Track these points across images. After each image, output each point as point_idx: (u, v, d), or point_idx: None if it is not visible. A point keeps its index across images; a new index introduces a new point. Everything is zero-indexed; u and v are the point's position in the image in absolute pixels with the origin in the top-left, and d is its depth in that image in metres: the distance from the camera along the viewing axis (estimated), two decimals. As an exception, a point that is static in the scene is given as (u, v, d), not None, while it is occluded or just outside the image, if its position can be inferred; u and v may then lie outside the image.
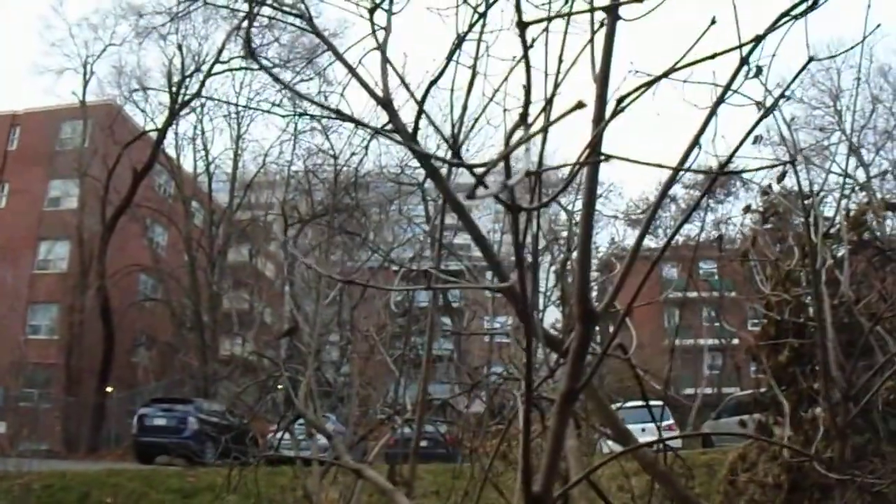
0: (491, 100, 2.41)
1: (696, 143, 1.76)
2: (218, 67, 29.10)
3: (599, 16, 1.62)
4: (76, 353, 29.07)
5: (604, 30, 1.55)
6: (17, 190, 33.61)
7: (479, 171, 1.11)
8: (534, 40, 1.80)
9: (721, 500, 5.29)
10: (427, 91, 2.71)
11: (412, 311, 7.09)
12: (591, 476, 2.67)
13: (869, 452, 4.23)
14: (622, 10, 1.54)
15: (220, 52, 28.60)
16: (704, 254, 25.34)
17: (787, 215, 5.36)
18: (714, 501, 5.56)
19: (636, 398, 3.26)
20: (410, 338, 7.33)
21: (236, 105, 31.80)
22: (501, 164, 1.56)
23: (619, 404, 5.16)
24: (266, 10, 3.38)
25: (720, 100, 1.81)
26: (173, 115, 29.87)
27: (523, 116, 1.34)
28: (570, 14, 1.55)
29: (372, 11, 2.63)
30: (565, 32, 1.64)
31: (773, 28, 1.78)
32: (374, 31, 2.63)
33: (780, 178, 5.09)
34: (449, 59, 2.74)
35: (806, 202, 3.95)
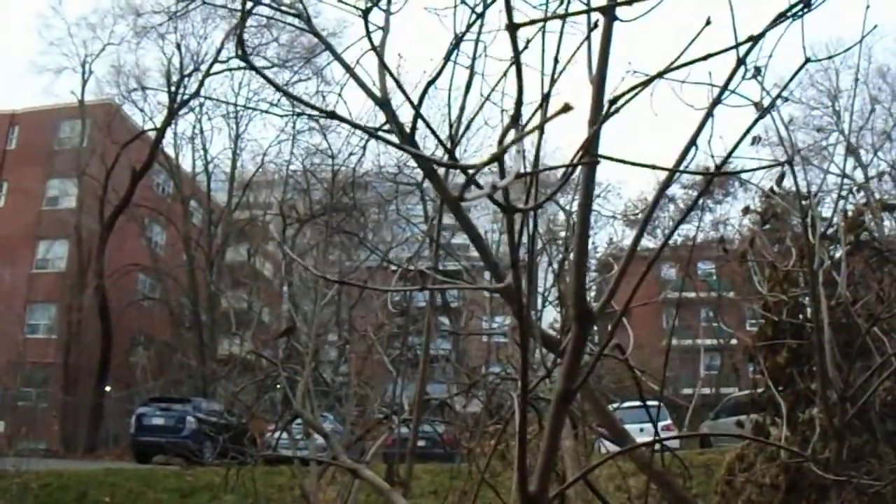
0: (486, 98, 2.41)
1: (692, 143, 1.76)
2: (217, 67, 29.14)
3: (597, 16, 1.62)
4: (74, 352, 29.05)
5: (600, 31, 1.55)
6: (16, 189, 33.64)
7: (471, 171, 1.12)
8: (529, 41, 1.80)
9: (718, 500, 5.29)
10: (425, 91, 2.72)
11: (410, 311, 7.08)
12: (588, 476, 2.67)
13: (866, 453, 4.24)
14: (619, 11, 1.54)
15: (218, 51, 28.65)
16: (703, 254, 25.35)
17: (784, 216, 5.37)
18: (711, 502, 5.56)
19: (634, 398, 3.25)
20: (408, 337, 7.34)
21: (235, 104, 31.90)
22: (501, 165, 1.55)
23: (616, 405, 5.18)
24: (264, 10, 3.38)
25: (717, 100, 1.81)
26: (172, 115, 29.87)
27: (514, 118, 1.34)
28: (565, 16, 1.55)
29: (367, 12, 2.63)
30: (561, 32, 1.64)
31: (770, 28, 1.78)
32: (368, 33, 2.63)
33: (780, 180, 5.09)
34: (447, 59, 2.74)
35: (804, 203, 3.96)
